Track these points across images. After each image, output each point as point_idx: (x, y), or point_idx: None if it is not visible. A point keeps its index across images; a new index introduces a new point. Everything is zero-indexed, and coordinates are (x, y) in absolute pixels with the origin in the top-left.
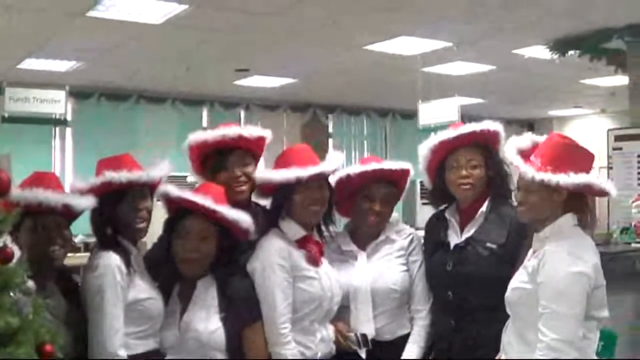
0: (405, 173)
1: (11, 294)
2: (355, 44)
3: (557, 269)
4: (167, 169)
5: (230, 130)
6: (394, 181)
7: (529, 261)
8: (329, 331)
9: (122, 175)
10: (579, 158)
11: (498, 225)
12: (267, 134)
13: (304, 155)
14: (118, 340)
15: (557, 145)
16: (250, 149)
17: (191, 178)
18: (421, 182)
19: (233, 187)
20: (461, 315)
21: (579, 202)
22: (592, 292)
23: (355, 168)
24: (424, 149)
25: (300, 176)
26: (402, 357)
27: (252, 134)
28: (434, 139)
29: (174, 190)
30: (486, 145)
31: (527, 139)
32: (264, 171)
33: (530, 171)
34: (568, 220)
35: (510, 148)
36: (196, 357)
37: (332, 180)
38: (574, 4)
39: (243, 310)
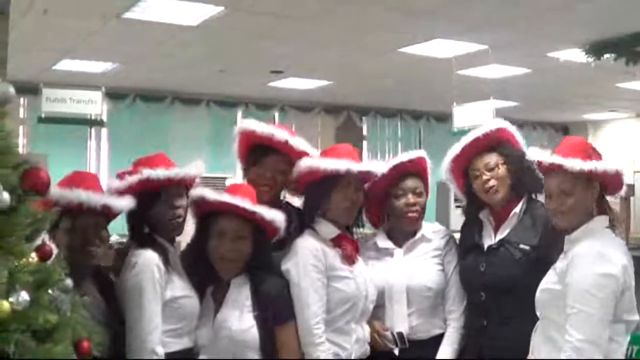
0: (421, 162)
1: (50, 291)
2: (389, 47)
3: (585, 269)
4: (202, 168)
5: (279, 132)
6: (415, 173)
7: (559, 262)
8: (364, 331)
9: (159, 173)
10: (598, 154)
11: (531, 226)
12: (314, 153)
13: (351, 153)
14: (156, 337)
15: (578, 142)
16: (291, 158)
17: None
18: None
19: (258, 187)
20: (493, 317)
21: (605, 203)
22: (621, 295)
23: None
24: (446, 173)
25: (351, 169)
26: (437, 358)
27: (299, 146)
28: (446, 160)
29: (210, 194)
30: (500, 145)
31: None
32: (311, 159)
33: (578, 163)
34: (601, 221)
35: (541, 153)
36: (230, 356)
37: None
38: (610, 8)
39: (276, 309)
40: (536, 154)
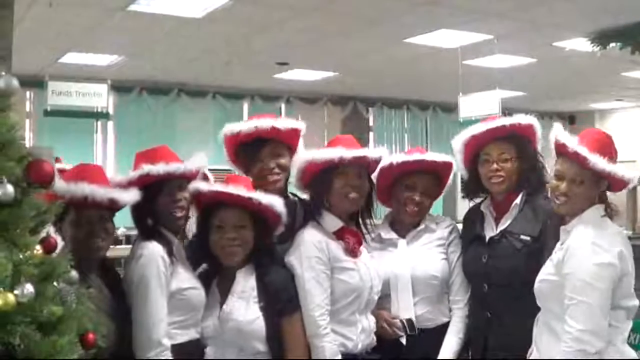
0: (447, 166)
1: (55, 283)
2: (395, 37)
3: (581, 260)
4: (203, 161)
5: (263, 122)
6: (436, 173)
7: (555, 253)
8: (370, 322)
9: (159, 168)
10: (615, 152)
11: (532, 217)
12: (301, 125)
13: (349, 142)
14: (162, 329)
15: (604, 138)
16: (284, 140)
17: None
18: (462, 174)
19: (266, 178)
20: (496, 308)
21: (603, 194)
22: (619, 282)
23: (399, 157)
24: (457, 143)
25: (344, 156)
26: (442, 348)
27: (286, 125)
28: (466, 133)
29: (204, 186)
30: (520, 138)
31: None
32: (307, 152)
33: (602, 162)
34: (596, 211)
35: (567, 136)
36: (236, 347)
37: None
38: None
39: (282, 300)
40: (563, 136)
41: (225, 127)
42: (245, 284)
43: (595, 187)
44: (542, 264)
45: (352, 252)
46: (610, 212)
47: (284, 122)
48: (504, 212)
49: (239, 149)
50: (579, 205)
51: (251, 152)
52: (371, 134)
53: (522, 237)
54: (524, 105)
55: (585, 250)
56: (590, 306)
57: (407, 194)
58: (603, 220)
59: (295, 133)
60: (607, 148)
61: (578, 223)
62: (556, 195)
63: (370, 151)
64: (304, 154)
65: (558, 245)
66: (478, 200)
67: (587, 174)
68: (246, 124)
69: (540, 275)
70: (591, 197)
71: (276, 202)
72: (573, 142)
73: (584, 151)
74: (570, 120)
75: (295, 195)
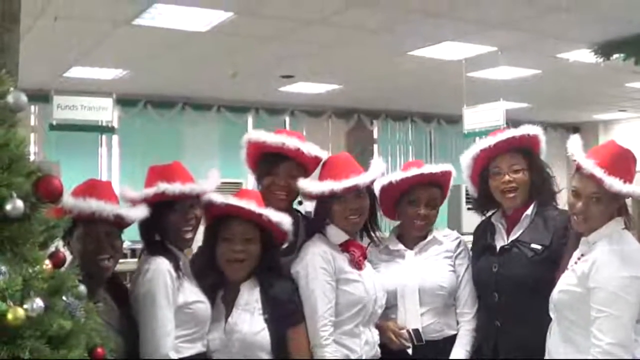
0: (446, 175)
1: (64, 297)
2: (399, 50)
3: (611, 273)
4: (217, 180)
5: (290, 140)
6: (437, 183)
7: (577, 264)
8: (373, 334)
9: (175, 187)
10: (634, 166)
11: (543, 227)
12: (324, 155)
13: (341, 166)
14: (169, 343)
15: (623, 156)
16: (303, 163)
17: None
18: (467, 187)
19: (274, 194)
20: (507, 317)
21: (622, 205)
22: None
23: (397, 175)
24: (466, 158)
25: (334, 189)
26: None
27: (311, 152)
28: (475, 148)
29: (218, 198)
30: (527, 149)
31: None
32: (305, 181)
33: (618, 184)
34: (618, 223)
35: (583, 156)
36: (242, 358)
37: (377, 185)
38: (618, 8)
39: (286, 311)
40: (579, 156)
41: (252, 132)
42: (250, 296)
43: (613, 204)
44: (554, 272)
45: (357, 265)
46: (628, 224)
47: (309, 148)
48: (515, 223)
49: (261, 157)
50: (598, 223)
51: (269, 164)
52: (375, 146)
53: (533, 245)
54: (528, 116)
55: (613, 263)
56: (619, 319)
57: (412, 210)
58: (624, 233)
59: (316, 160)
60: (624, 164)
61: (601, 236)
62: (574, 213)
63: (362, 178)
64: (301, 183)
65: (576, 253)
66: (489, 213)
67: (603, 191)
68: (273, 137)
69: (560, 286)
70: (610, 213)
71: (285, 220)
72: (589, 164)
73: (599, 173)
74: (575, 131)
75: (298, 211)
